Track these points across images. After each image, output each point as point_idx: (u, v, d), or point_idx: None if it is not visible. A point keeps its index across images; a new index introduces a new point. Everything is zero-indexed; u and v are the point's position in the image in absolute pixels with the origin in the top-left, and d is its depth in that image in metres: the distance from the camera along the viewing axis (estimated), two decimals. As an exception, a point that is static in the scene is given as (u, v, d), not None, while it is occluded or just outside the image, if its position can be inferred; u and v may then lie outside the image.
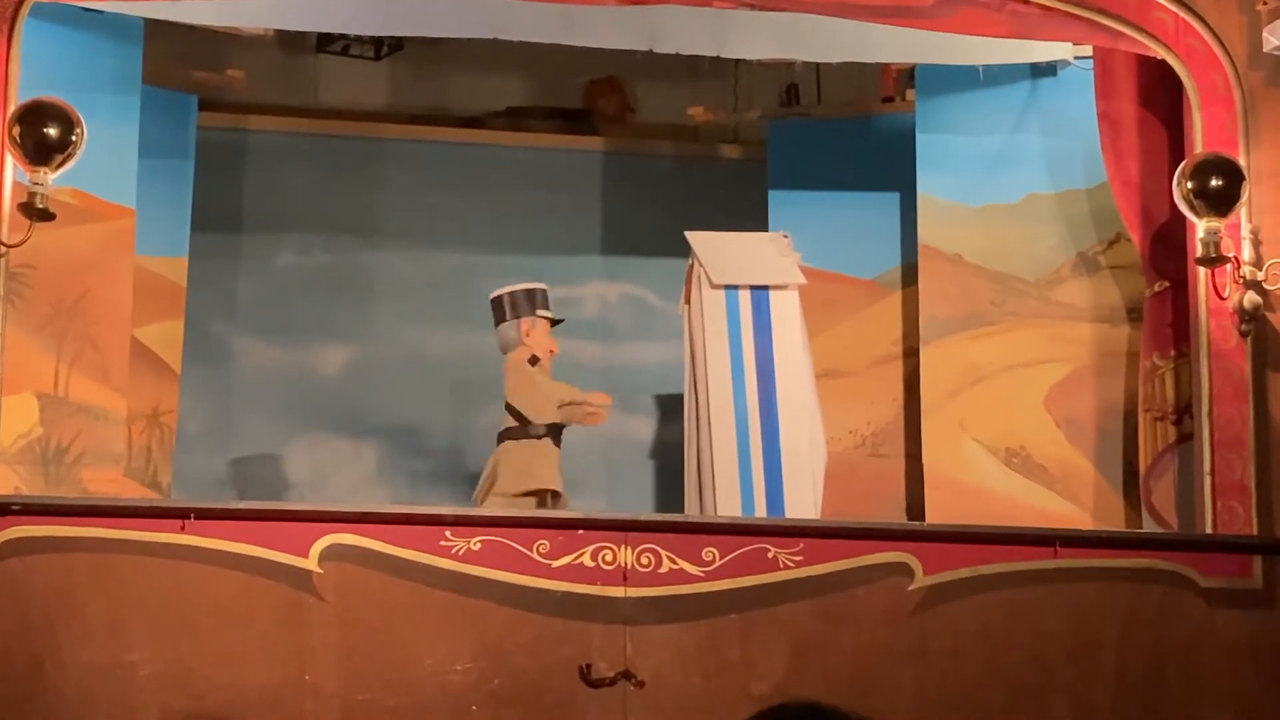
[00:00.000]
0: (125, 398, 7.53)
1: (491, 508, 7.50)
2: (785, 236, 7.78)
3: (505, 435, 7.81)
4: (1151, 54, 7.15)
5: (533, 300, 7.88)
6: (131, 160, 7.62)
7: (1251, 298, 6.81)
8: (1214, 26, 7.02)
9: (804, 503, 7.45)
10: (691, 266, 7.69)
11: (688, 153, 9.53)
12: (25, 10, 6.66)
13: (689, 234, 7.67)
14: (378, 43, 9.28)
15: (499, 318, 7.95)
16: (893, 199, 8.62)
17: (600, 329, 9.23)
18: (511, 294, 7.90)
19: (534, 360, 7.80)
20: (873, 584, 6.48)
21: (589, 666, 6.24)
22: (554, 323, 7.99)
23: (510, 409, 7.78)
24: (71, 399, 7.37)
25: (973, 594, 6.52)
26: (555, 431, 7.79)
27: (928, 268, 8.16)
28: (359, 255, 9.08)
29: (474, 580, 6.27)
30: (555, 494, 7.63)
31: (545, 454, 7.66)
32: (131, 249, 7.64)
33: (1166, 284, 7.40)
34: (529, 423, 7.73)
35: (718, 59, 8.24)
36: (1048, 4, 7.08)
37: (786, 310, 7.59)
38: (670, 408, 8.75)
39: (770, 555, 6.43)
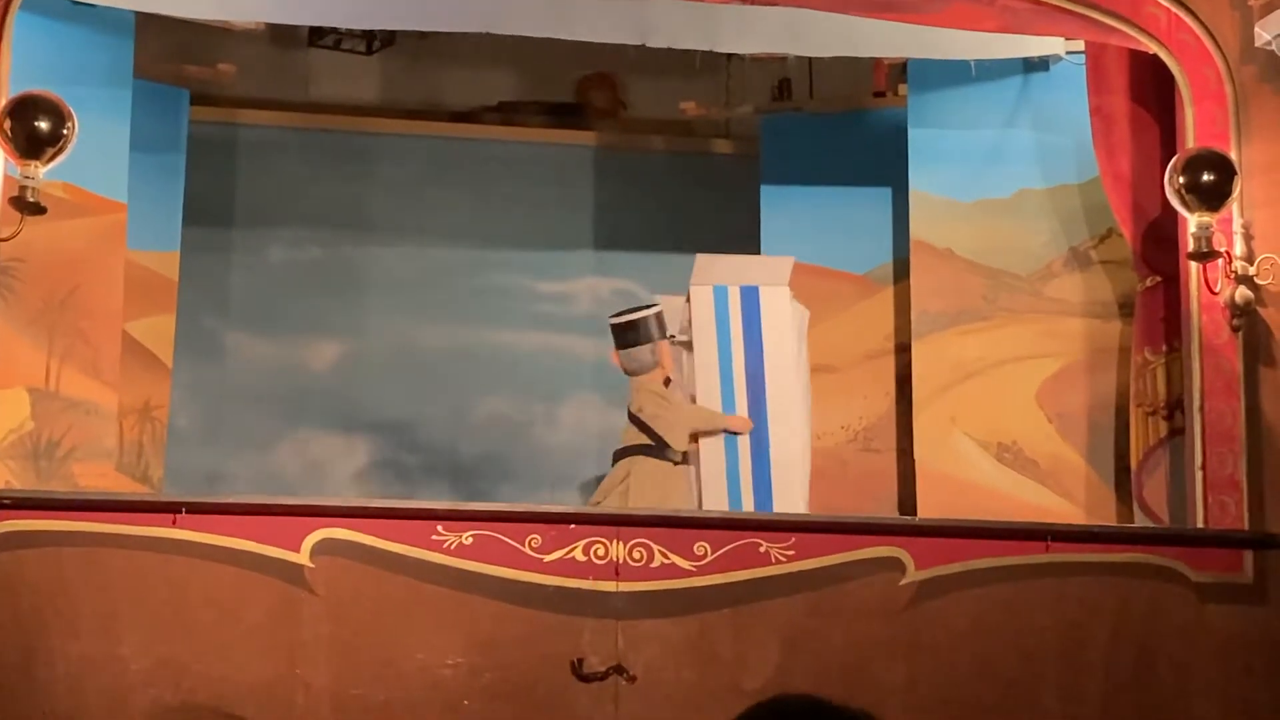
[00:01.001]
0: (116, 392, 7.53)
1: (482, 502, 7.49)
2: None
3: (636, 451, 7.61)
4: (1143, 49, 7.15)
5: (662, 323, 7.69)
6: (123, 154, 7.62)
7: (1243, 292, 6.81)
8: (1206, 22, 7.03)
9: (792, 499, 7.46)
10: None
11: (680, 148, 9.53)
12: (17, 4, 6.66)
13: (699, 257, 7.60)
14: (369, 37, 9.27)
15: (630, 340, 7.68)
16: (884, 194, 8.62)
17: (592, 324, 9.22)
18: (645, 319, 7.66)
19: (667, 382, 7.66)
20: (864, 579, 6.48)
21: (581, 661, 6.23)
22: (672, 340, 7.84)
23: (644, 427, 7.59)
24: (63, 393, 7.36)
25: (964, 589, 6.52)
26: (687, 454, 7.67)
27: (919, 263, 8.17)
28: (350, 250, 9.08)
29: (466, 575, 6.27)
30: None
31: (680, 478, 7.55)
32: (123, 243, 7.64)
33: (1158, 279, 7.40)
34: (667, 446, 7.55)
35: (710, 54, 8.23)
36: (1039, -1, 7.09)
37: (776, 308, 7.57)
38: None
39: (762, 550, 6.43)
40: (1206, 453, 6.81)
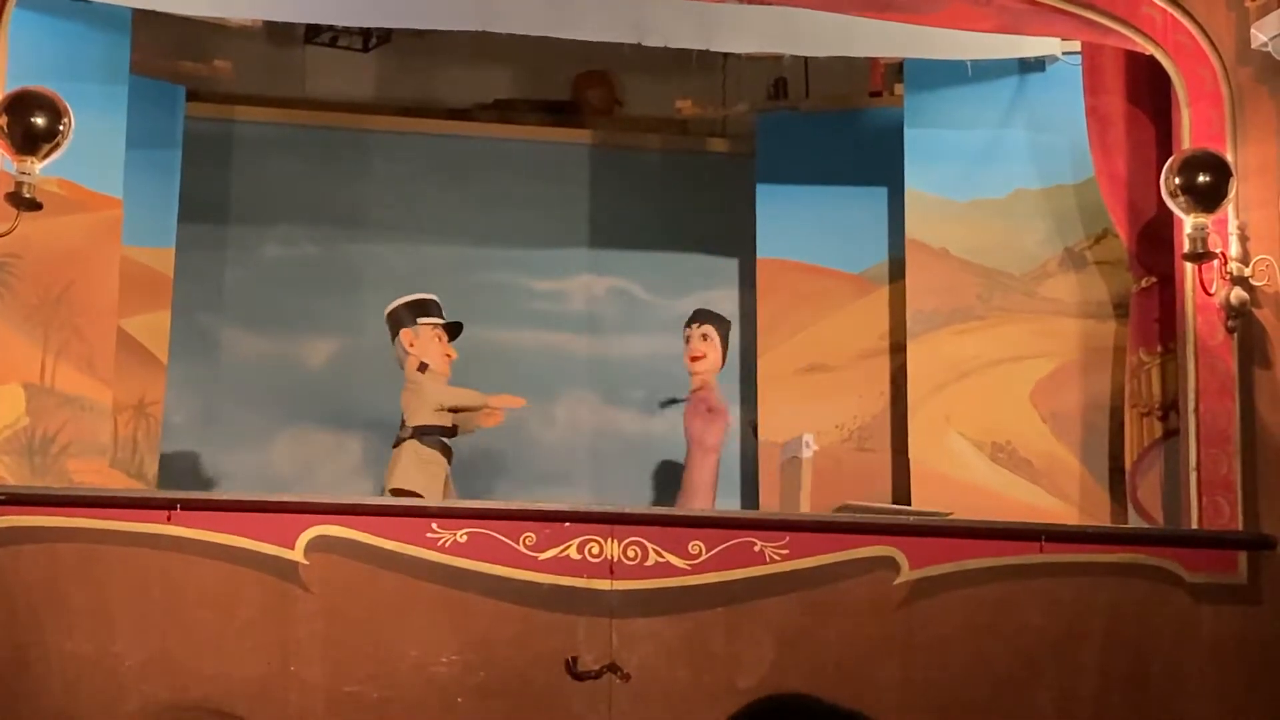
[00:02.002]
0: (111, 388, 7.52)
1: (476, 500, 7.48)
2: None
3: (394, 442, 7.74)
4: (1140, 50, 7.16)
5: (413, 311, 7.78)
6: (119, 150, 7.61)
7: (1238, 293, 6.82)
8: (1202, 23, 7.04)
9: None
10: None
11: (675, 146, 9.52)
12: (14, 0, 6.66)
13: None
14: (365, 34, 9.25)
15: (391, 333, 7.83)
16: (880, 193, 8.62)
17: (587, 322, 9.23)
18: (393, 311, 7.81)
19: (423, 367, 7.70)
20: (858, 578, 6.49)
21: (575, 659, 6.24)
22: (452, 331, 7.85)
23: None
24: (58, 389, 7.35)
25: (958, 588, 6.53)
26: (432, 434, 7.64)
27: (915, 262, 8.16)
28: (346, 247, 9.06)
29: (460, 572, 6.28)
30: (414, 495, 7.43)
31: (408, 456, 7.56)
32: (118, 239, 7.63)
33: (1153, 279, 7.40)
34: (403, 425, 7.65)
35: (706, 52, 8.22)
36: (1036, -1, 7.10)
37: None
38: (656, 401, 8.76)
39: (756, 549, 6.44)
40: (1201, 453, 6.82)
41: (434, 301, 7.87)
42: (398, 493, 7.40)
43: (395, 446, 7.66)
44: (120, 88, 7.65)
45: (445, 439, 7.67)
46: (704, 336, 8.14)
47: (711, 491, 7.90)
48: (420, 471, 7.53)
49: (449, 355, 7.82)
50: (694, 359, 8.13)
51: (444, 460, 7.64)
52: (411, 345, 7.73)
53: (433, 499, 7.29)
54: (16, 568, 6.12)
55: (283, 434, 8.75)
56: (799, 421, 8.09)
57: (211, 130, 8.73)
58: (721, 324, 8.21)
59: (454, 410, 7.68)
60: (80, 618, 6.09)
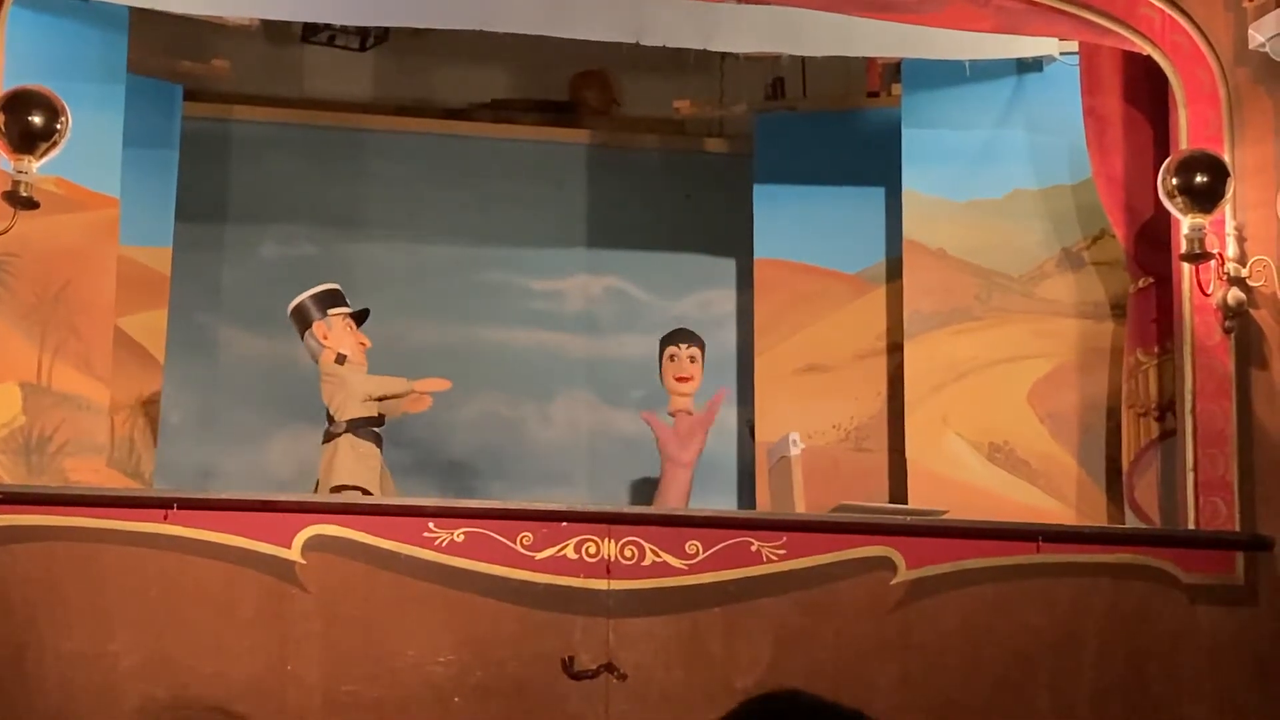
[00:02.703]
0: (108, 387, 7.52)
1: (473, 500, 7.47)
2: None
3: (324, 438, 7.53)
4: (1137, 50, 7.16)
5: (320, 303, 7.57)
6: (116, 149, 7.60)
7: (1235, 294, 6.82)
8: (1200, 23, 7.04)
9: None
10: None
11: (673, 146, 9.51)
12: (10, -1, 6.67)
13: None
14: (363, 34, 9.24)
15: (300, 330, 7.62)
16: (878, 193, 8.62)
17: (584, 322, 9.22)
18: (298, 306, 7.59)
19: (341, 359, 7.49)
20: (855, 578, 6.49)
21: (572, 659, 6.24)
22: (359, 318, 7.65)
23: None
24: (54, 388, 7.34)
25: (955, 588, 6.53)
26: (364, 426, 7.44)
27: (912, 262, 8.16)
28: (343, 246, 9.06)
29: (457, 572, 6.27)
30: (359, 490, 7.27)
31: (344, 451, 7.37)
32: (115, 238, 7.62)
33: (1150, 280, 7.40)
34: (333, 420, 7.45)
35: (704, 52, 8.22)
36: (1034, -1, 7.10)
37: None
38: (653, 401, 8.74)
39: (754, 549, 6.44)
40: (1198, 454, 6.82)
41: (339, 291, 7.65)
42: (341, 489, 7.22)
43: (326, 443, 7.43)
44: (117, 86, 7.64)
45: (376, 429, 7.46)
46: (692, 359, 8.05)
47: (684, 502, 7.84)
48: (360, 465, 7.33)
49: (363, 343, 7.58)
50: (680, 380, 8.05)
51: (378, 452, 7.45)
52: (325, 338, 7.51)
53: (375, 491, 7.20)
54: (13, 567, 6.12)
55: (280, 433, 8.74)
56: (796, 422, 8.09)
57: (209, 129, 8.73)
58: (703, 345, 8.11)
59: (380, 399, 7.48)
60: (77, 617, 6.09)
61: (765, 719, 3.08)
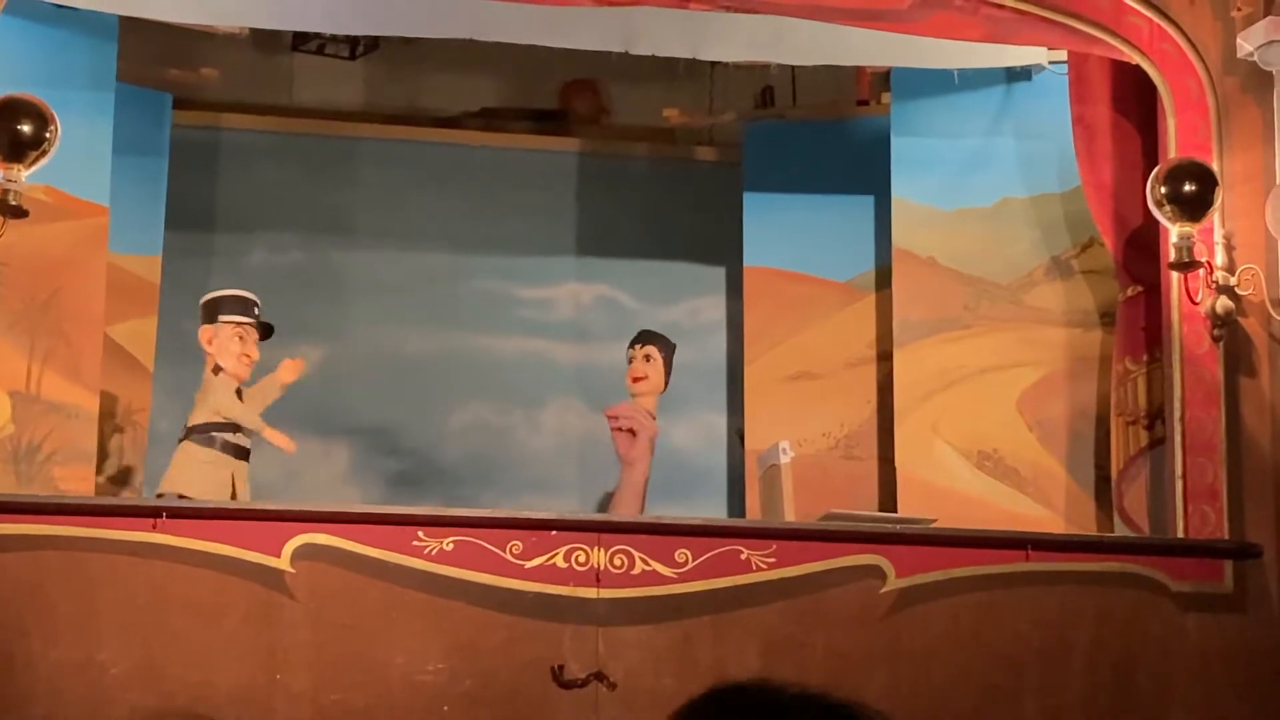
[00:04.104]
0: (97, 395, 7.51)
1: (463, 508, 7.45)
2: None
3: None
4: (1126, 59, 7.17)
5: (222, 307, 7.25)
6: (105, 158, 7.60)
7: (1224, 303, 6.83)
8: (1189, 32, 7.05)
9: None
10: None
11: (663, 154, 9.51)
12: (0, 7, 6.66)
13: None
14: (353, 42, 9.25)
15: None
16: (867, 202, 8.62)
17: (574, 330, 9.22)
18: (205, 302, 7.28)
19: (218, 369, 7.16)
20: (845, 586, 6.49)
21: (561, 667, 6.23)
22: (263, 332, 7.31)
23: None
24: (43, 397, 7.34)
25: (945, 597, 6.53)
26: (206, 431, 7.10)
27: (901, 271, 8.17)
28: (333, 254, 9.05)
29: (446, 581, 6.27)
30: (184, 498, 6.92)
31: (181, 457, 7.05)
32: (105, 246, 7.62)
33: (1139, 288, 7.41)
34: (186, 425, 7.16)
35: (693, 61, 8.23)
36: (1023, 8, 7.10)
37: None
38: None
39: (743, 557, 6.44)
40: (1187, 462, 6.83)
41: (248, 300, 7.32)
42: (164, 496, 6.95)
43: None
44: (107, 95, 7.64)
45: (228, 436, 7.12)
46: (647, 358, 7.90)
47: (637, 503, 7.72)
48: (195, 473, 7.03)
49: (247, 356, 7.23)
50: (635, 379, 7.94)
51: (231, 459, 7.11)
52: (210, 344, 7.19)
53: (214, 500, 6.91)
54: (2, 575, 6.11)
55: (268, 441, 8.72)
56: (786, 430, 8.08)
57: (198, 137, 8.72)
58: (666, 345, 7.95)
59: (228, 420, 7.14)
60: (65, 625, 6.08)
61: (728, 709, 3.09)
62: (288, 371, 7.36)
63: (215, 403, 7.12)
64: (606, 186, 9.33)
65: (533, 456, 9.10)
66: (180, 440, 7.16)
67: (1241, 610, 6.70)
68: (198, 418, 7.15)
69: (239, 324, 7.22)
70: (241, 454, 7.18)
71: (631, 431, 7.68)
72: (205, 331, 7.20)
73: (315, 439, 8.84)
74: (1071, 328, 7.96)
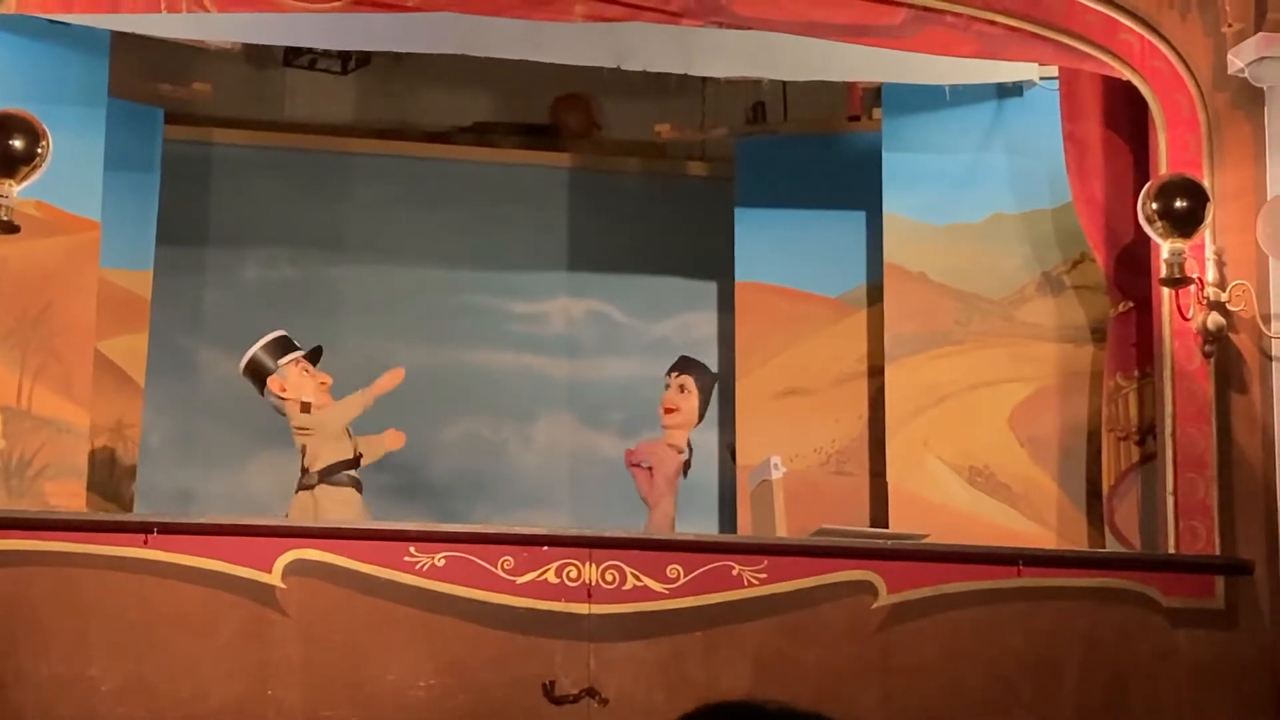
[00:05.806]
0: (88, 411, 7.50)
1: (454, 524, 7.44)
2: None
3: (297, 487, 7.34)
4: (1117, 75, 7.19)
5: (271, 354, 7.38)
6: (97, 173, 7.60)
7: (1215, 319, 6.84)
8: (1179, 49, 7.06)
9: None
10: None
11: (654, 170, 9.52)
12: (-9, 23, 6.67)
13: None
14: (345, 57, 9.25)
15: (258, 387, 7.43)
16: (858, 217, 8.63)
17: (566, 345, 9.22)
18: (250, 363, 7.39)
19: (306, 407, 7.31)
20: (837, 602, 6.50)
21: (553, 683, 6.23)
22: (313, 357, 7.47)
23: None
24: (34, 412, 7.34)
25: (936, 612, 6.53)
26: (338, 471, 7.28)
27: (893, 286, 8.17)
28: (324, 269, 9.06)
29: (438, 596, 6.27)
30: None
31: (324, 501, 7.19)
32: (96, 262, 7.62)
33: (1130, 304, 7.42)
34: (306, 471, 7.25)
35: (685, 76, 8.24)
36: (1014, 25, 7.11)
37: None
38: (633, 424, 8.75)
39: (735, 573, 6.44)
40: (1178, 478, 6.83)
41: (287, 338, 7.46)
42: None
43: (300, 492, 7.26)
44: (98, 110, 7.64)
45: (352, 472, 7.30)
46: (681, 388, 7.91)
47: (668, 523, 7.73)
48: (345, 510, 7.18)
49: (324, 382, 7.41)
50: (665, 410, 7.91)
51: (357, 495, 7.29)
52: (284, 390, 7.33)
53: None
54: (-8, 591, 6.11)
55: (260, 457, 8.70)
56: (777, 445, 8.08)
57: (190, 152, 8.72)
58: (703, 374, 7.94)
59: (354, 431, 7.30)
60: (56, 641, 6.08)
61: None
62: (390, 379, 7.48)
63: (334, 423, 7.29)
64: (598, 202, 9.34)
65: (524, 471, 9.10)
66: (308, 488, 7.23)
67: (1233, 626, 6.71)
68: (322, 459, 7.23)
69: (296, 361, 7.39)
70: (359, 485, 7.33)
71: (650, 470, 7.68)
72: (274, 383, 7.33)
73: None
74: (1063, 343, 7.96)
